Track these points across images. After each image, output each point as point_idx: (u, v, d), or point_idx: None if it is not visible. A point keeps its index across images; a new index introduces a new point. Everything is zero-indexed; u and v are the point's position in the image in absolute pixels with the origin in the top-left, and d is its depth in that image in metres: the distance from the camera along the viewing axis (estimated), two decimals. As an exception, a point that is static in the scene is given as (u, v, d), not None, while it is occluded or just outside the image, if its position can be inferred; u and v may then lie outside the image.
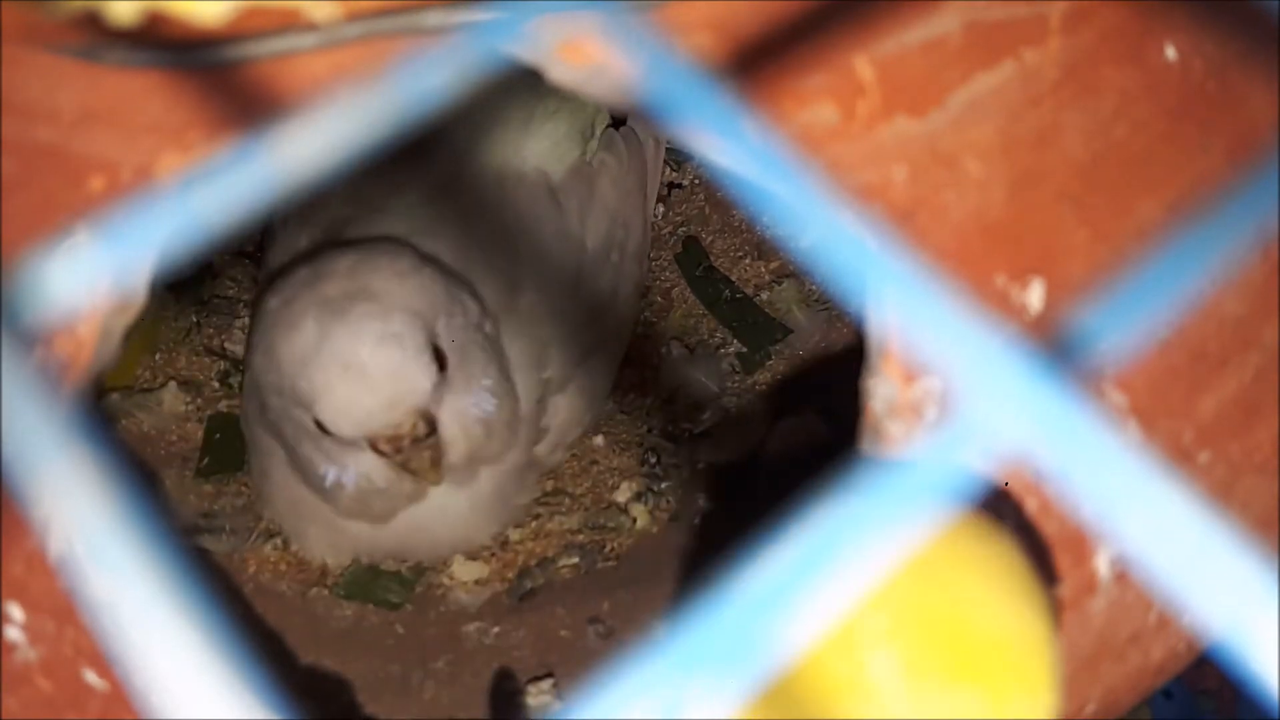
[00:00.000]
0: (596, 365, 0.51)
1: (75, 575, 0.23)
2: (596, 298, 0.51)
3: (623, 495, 0.53)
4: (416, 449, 0.42)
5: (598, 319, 0.51)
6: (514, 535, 0.52)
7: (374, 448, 0.42)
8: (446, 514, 0.47)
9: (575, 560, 0.51)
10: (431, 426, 0.42)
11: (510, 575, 0.51)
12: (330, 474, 0.44)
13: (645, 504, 0.53)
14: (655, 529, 0.52)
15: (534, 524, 0.52)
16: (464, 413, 0.44)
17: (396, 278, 0.43)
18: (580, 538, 0.52)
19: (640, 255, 0.55)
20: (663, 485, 0.53)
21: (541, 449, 0.50)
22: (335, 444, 0.43)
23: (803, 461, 0.52)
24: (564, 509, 0.52)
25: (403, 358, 0.41)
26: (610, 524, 0.52)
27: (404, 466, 0.43)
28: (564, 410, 0.50)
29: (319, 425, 0.42)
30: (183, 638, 0.07)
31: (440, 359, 0.42)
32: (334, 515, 0.47)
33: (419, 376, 0.41)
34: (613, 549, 0.52)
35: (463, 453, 0.44)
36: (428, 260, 0.45)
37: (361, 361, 0.40)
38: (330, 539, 0.48)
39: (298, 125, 0.11)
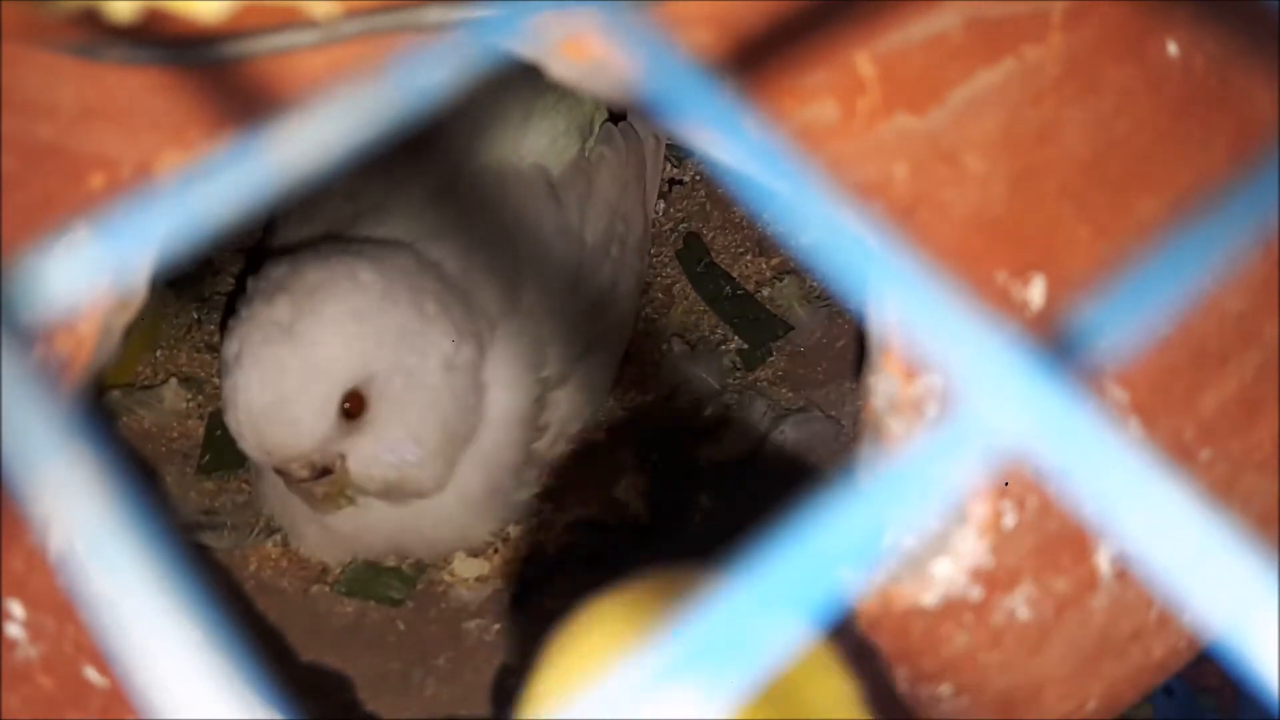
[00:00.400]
0: (597, 361, 0.51)
1: (75, 573, 0.23)
2: (597, 293, 0.51)
3: (623, 492, 0.53)
4: (315, 483, 0.43)
5: (598, 314, 0.51)
6: (514, 532, 0.52)
7: (281, 474, 0.43)
8: (436, 514, 0.47)
9: (576, 556, 0.51)
10: (325, 470, 0.43)
11: (511, 571, 0.51)
12: (265, 475, 0.46)
13: (645, 500, 0.53)
14: (656, 525, 0.52)
15: (535, 520, 0.52)
16: (374, 458, 0.44)
17: (348, 316, 0.43)
18: (581, 534, 0.52)
19: (641, 250, 0.55)
20: (663, 481, 0.53)
21: (541, 445, 0.50)
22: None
23: (804, 459, 0.52)
24: (565, 505, 0.53)
25: (296, 411, 0.42)
26: (611, 520, 0.52)
27: (299, 493, 0.44)
28: (564, 405, 0.50)
29: None
30: (182, 636, 0.07)
31: (356, 407, 0.43)
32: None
33: (302, 434, 0.42)
34: (613, 545, 0.52)
35: (374, 490, 0.45)
36: (426, 269, 0.45)
37: (252, 400, 0.41)
38: (326, 537, 0.49)
39: (297, 122, 0.11)
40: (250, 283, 0.44)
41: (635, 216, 0.54)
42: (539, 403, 0.49)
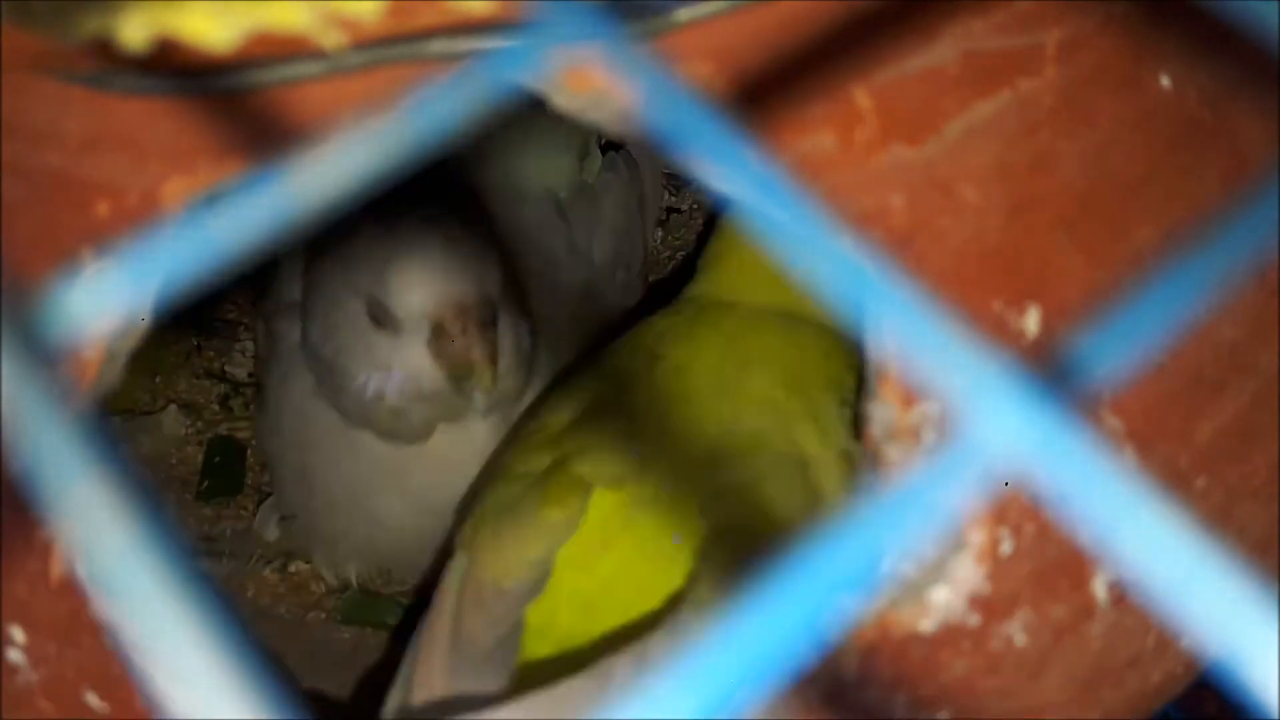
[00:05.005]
0: None
1: (87, 595, 0.23)
2: (605, 314, 0.52)
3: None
4: (478, 337, 0.42)
5: (607, 335, 0.52)
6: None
7: (436, 334, 0.42)
8: (460, 467, 0.47)
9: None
10: (494, 320, 0.43)
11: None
12: (371, 382, 0.44)
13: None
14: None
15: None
16: (515, 328, 0.44)
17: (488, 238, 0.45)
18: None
19: (643, 274, 0.55)
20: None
21: None
22: (387, 339, 0.43)
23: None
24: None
25: (477, 249, 0.43)
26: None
27: (462, 357, 0.42)
28: None
29: (375, 318, 0.42)
30: (201, 653, 0.08)
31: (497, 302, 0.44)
32: (363, 502, 0.46)
33: (491, 267, 0.43)
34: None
35: (505, 367, 0.44)
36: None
37: (439, 244, 0.42)
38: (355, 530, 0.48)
39: (309, 156, 0.11)
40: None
41: (638, 241, 0.55)
42: None
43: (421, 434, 0.45)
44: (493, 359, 0.42)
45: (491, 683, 0.36)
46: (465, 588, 0.37)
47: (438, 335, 0.42)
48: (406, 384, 0.43)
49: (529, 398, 0.48)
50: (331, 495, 0.48)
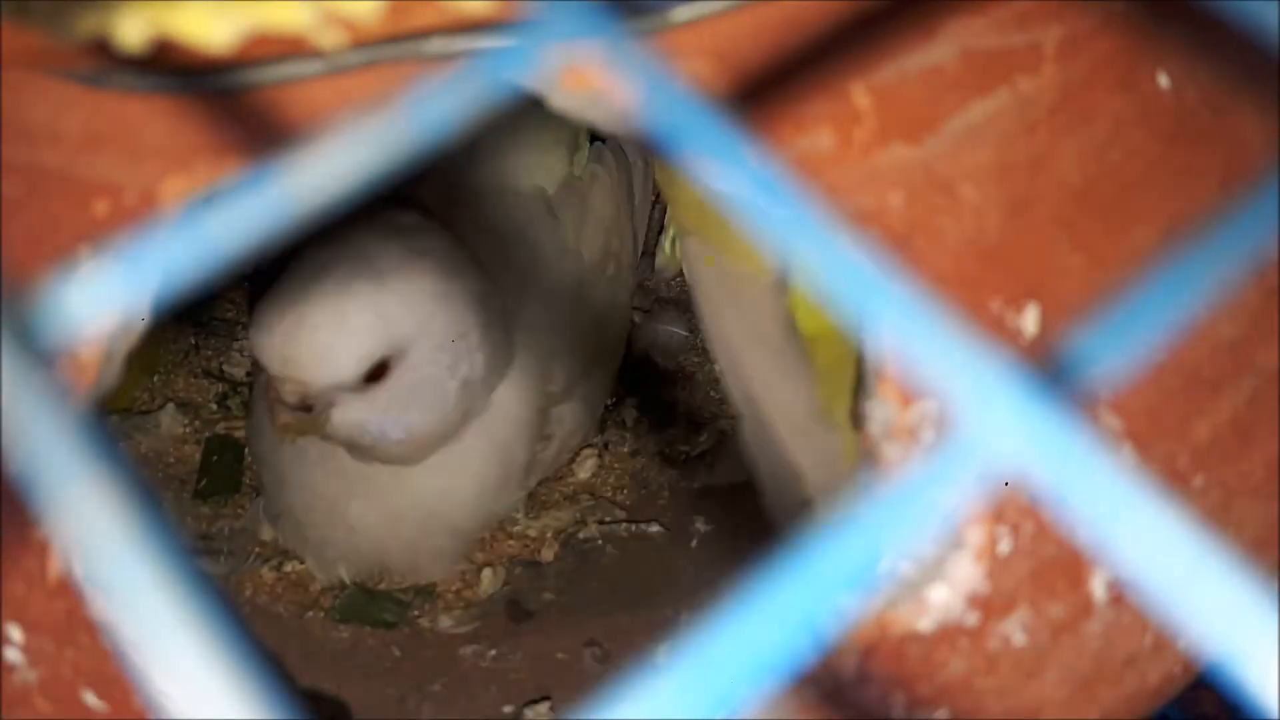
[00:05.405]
0: (597, 375, 0.52)
1: (84, 595, 0.23)
2: (596, 309, 0.52)
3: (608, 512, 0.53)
4: (286, 408, 0.42)
5: (599, 331, 0.52)
6: (507, 529, 0.52)
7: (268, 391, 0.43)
8: (436, 499, 0.47)
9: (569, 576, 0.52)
10: (308, 407, 0.42)
11: (504, 598, 0.51)
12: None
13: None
14: (649, 543, 0.53)
15: (528, 521, 0.53)
16: (361, 423, 0.44)
17: (406, 286, 0.43)
18: (573, 543, 0.53)
19: (632, 267, 0.55)
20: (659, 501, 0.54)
21: (547, 454, 0.50)
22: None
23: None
24: (560, 507, 0.53)
25: (333, 345, 0.41)
26: (602, 535, 0.53)
27: (269, 405, 0.43)
28: (568, 420, 0.51)
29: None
30: (198, 652, 0.08)
31: (377, 374, 0.43)
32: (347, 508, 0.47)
33: (325, 367, 0.42)
34: (606, 553, 0.52)
35: (340, 441, 0.44)
36: (468, 269, 0.45)
37: (305, 316, 0.41)
38: (332, 520, 0.48)
39: (308, 154, 0.11)
40: (300, 254, 0.44)
41: (627, 234, 0.55)
42: (544, 414, 0.49)
43: (281, 439, 0.45)
44: (287, 428, 0.43)
45: (803, 380, 0.32)
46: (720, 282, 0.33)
47: (269, 391, 0.43)
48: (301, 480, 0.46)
49: (517, 404, 0.48)
50: (310, 502, 0.48)
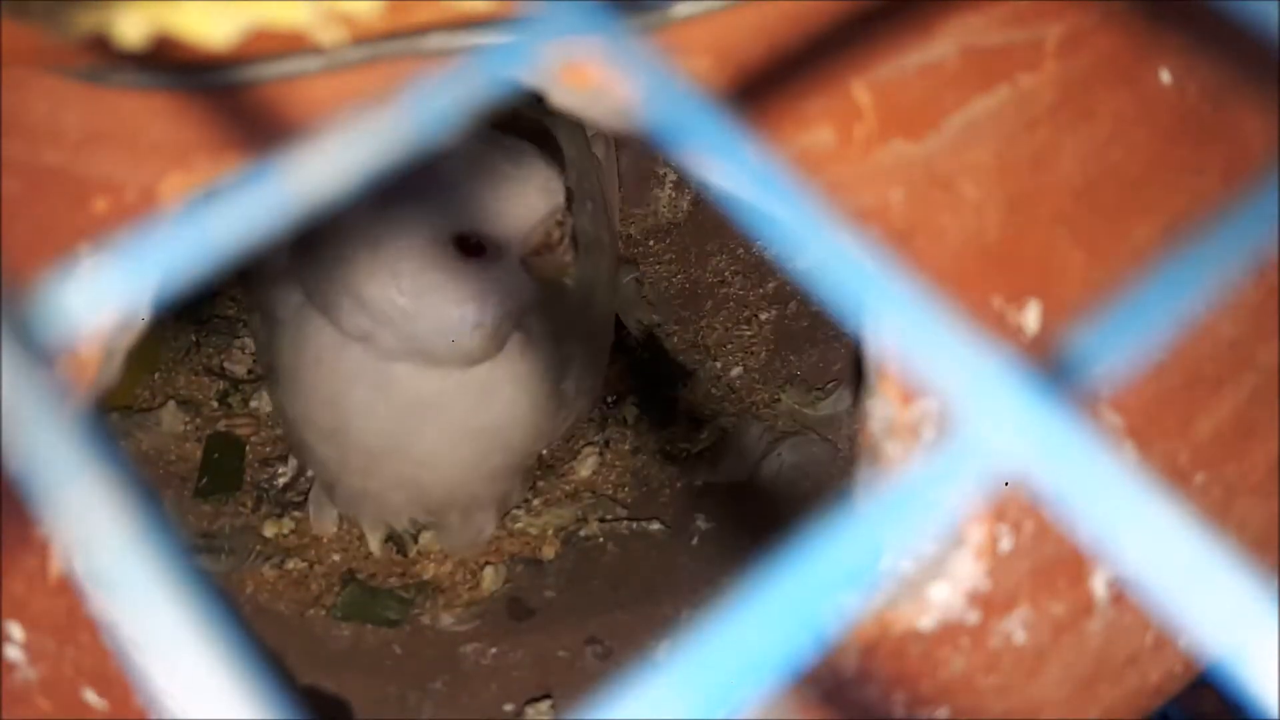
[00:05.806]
0: (592, 365, 0.53)
1: (84, 594, 0.23)
2: (579, 289, 0.53)
3: (610, 508, 0.54)
4: (570, 240, 0.45)
5: (584, 308, 0.53)
6: (508, 527, 0.52)
7: (537, 249, 0.44)
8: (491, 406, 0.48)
9: (571, 574, 0.52)
10: (552, 244, 0.45)
11: (506, 596, 0.51)
12: (469, 314, 0.45)
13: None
14: (649, 540, 0.53)
15: (529, 519, 0.53)
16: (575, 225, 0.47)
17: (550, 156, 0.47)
18: (574, 541, 0.53)
19: (613, 249, 0.56)
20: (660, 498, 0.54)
21: (568, 387, 0.51)
22: (479, 268, 0.44)
23: (801, 482, 0.52)
24: (561, 505, 0.53)
25: (546, 158, 0.45)
26: (603, 533, 0.53)
27: (559, 261, 0.45)
28: (571, 416, 0.51)
29: (467, 250, 0.44)
30: (199, 651, 0.08)
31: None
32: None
33: (561, 185, 0.45)
34: (607, 550, 0.52)
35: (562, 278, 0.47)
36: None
37: (525, 165, 0.44)
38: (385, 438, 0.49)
39: (309, 150, 0.11)
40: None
41: (595, 181, 0.56)
42: (558, 345, 0.50)
43: (495, 351, 0.46)
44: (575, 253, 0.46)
45: None
46: None
47: (538, 250, 0.44)
48: (504, 305, 0.45)
49: (539, 332, 0.48)
50: (370, 445, 0.48)
